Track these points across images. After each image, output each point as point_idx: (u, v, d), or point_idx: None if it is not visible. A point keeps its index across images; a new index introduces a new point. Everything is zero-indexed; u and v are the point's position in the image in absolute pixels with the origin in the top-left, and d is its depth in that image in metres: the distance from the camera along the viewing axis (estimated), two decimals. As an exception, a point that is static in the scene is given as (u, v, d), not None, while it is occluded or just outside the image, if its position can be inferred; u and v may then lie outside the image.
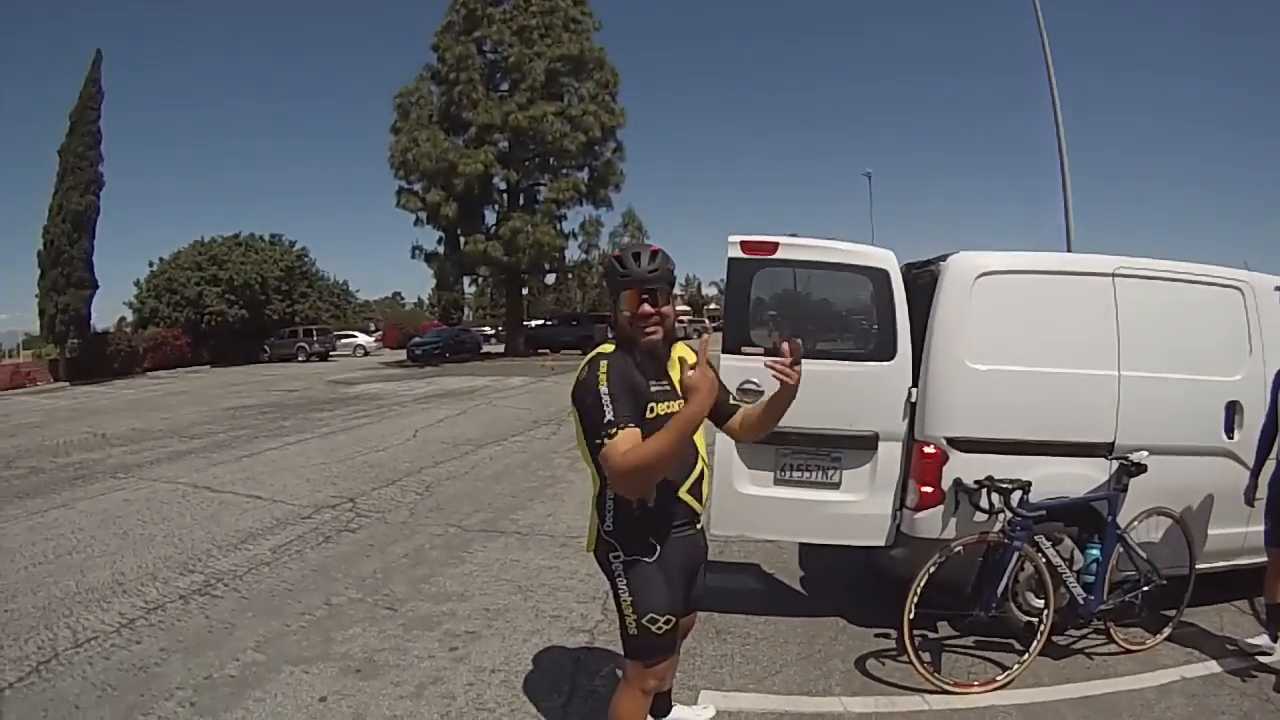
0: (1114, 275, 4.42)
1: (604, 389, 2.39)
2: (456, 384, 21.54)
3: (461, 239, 34.33)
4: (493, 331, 50.35)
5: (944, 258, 4.37)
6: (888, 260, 4.31)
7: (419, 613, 4.60)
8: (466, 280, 45.65)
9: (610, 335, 2.64)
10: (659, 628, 2.58)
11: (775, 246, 4.26)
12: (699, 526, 2.76)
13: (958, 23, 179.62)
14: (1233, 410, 4.57)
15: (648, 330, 2.53)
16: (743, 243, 4.27)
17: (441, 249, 35.34)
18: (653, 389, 2.52)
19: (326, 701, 3.53)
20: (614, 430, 2.34)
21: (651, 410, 2.49)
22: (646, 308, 2.51)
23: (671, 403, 2.54)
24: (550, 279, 43.93)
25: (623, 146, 36.19)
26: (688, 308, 52.47)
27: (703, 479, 2.70)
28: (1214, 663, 4.28)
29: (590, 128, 33.01)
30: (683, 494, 2.63)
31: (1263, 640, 4.34)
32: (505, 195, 35.31)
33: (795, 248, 4.30)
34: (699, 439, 2.64)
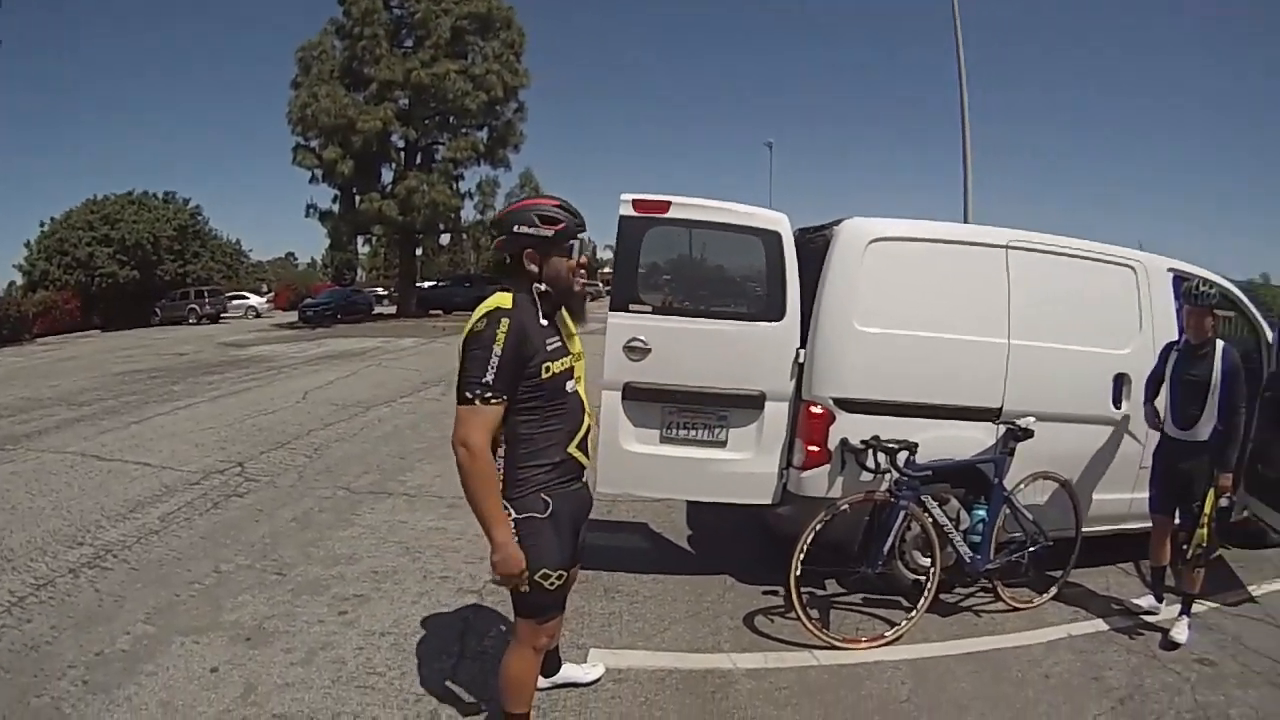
0: (1007, 247, 5.05)
1: (497, 349, 2.61)
2: (347, 345, 22.22)
3: (357, 198, 35.47)
4: (385, 292, 51.24)
5: (838, 223, 4.85)
6: (780, 223, 4.74)
7: (308, 577, 4.99)
8: (360, 240, 46.46)
9: (515, 286, 2.81)
10: (551, 583, 2.84)
11: (667, 205, 4.62)
12: (584, 481, 3.08)
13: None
14: (1121, 382, 5.30)
15: (580, 278, 2.91)
16: (635, 201, 4.62)
17: (336, 208, 36.56)
18: (549, 346, 2.78)
19: (218, 672, 3.78)
20: (488, 396, 2.62)
21: (547, 370, 2.76)
22: (584, 257, 2.88)
23: (564, 360, 2.84)
24: (445, 239, 45.29)
25: (524, 107, 38.01)
26: (584, 270, 54.33)
27: (589, 433, 3.01)
28: (1100, 621, 4.99)
29: (493, 87, 34.66)
30: (572, 449, 2.91)
31: (1148, 601, 5.14)
32: (403, 154, 36.79)
33: (688, 207, 4.66)
34: (582, 391, 3.01)
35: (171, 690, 3.64)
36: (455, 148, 35.88)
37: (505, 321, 2.64)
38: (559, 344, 2.86)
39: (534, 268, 2.83)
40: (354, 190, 35.55)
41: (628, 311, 4.62)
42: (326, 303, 36.76)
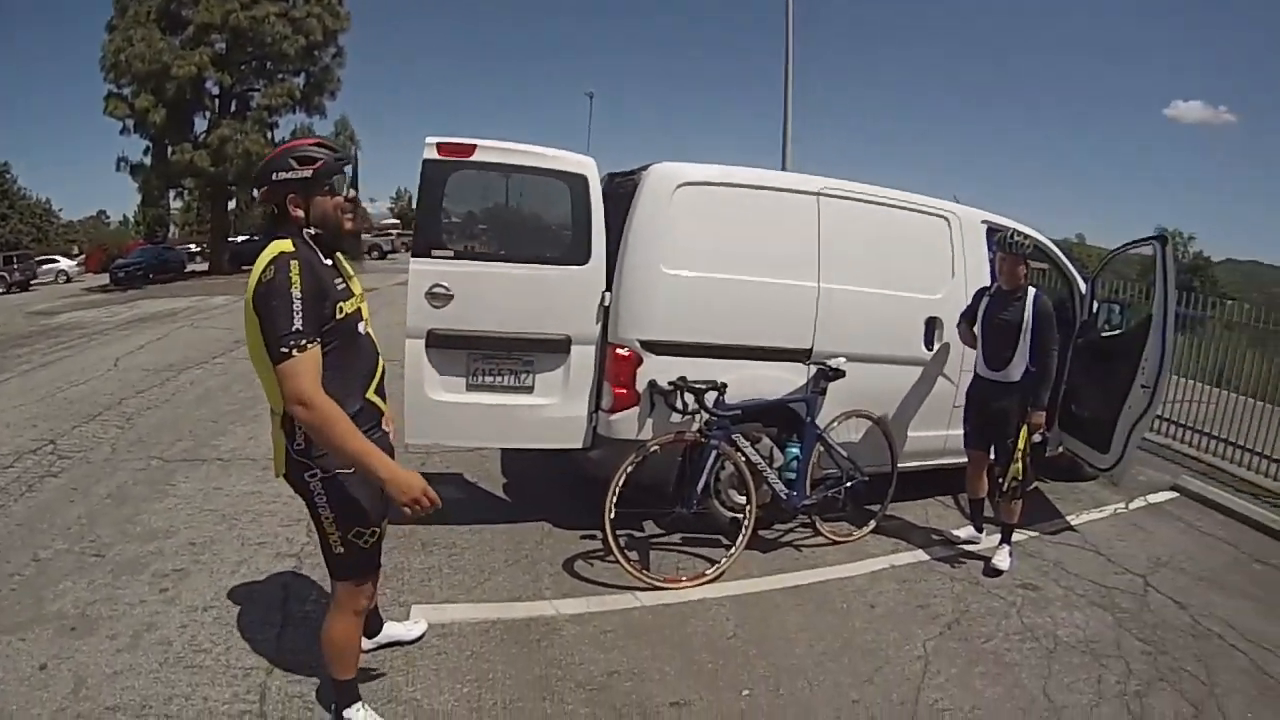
0: (819, 195, 5.49)
1: (296, 293, 2.61)
2: (159, 307, 21.82)
3: (169, 149, 34.85)
4: (198, 249, 49.90)
5: (646, 168, 5.14)
6: (586, 166, 4.99)
7: (127, 555, 4.96)
8: (173, 194, 45.36)
9: (287, 234, 2.83)
10: (366, 541, 2.96)
11: (472, 149, 4.78)
12: (385, 428, 3.15)
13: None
14: (933, 325, 5.89)
15: (350, 215, 2.97)
16: (439, 144, 4.75)
17: (149, 160, 35.71)
18: (337, 286, 2.86)
19: (47, 669, 3.71)
20: (304, 343, 2.59)
21: (340, 310, 2.82)
22: (352, 191, 3.04)
23: (352, 300, 2.93)
24: (259, 192, 44.54)
25: (343, 52, 37.97)
26: (397, 221, 54.44)
27: (384, 376, 3.12)
28: (922, 551, 5.57)
29: (312, 30, 34.49)
30: (370, 395, 3.00)
31: (968, 531, 5.77)
32: (218, 101, 36.03)
33: (493, 150, 4.82)
34: (372, 333, 3.09)
35: (3, 695, 3.55)
36: (271, 94, 35.50)
37: (294, 264, 2.65)
38: (344, 285, 2.94)
39: (300, 212, 2.86)
40: (166, 141, 34.78)
41: (430, 258, 4.76)
42: (138, 262, 35.82)
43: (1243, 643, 4.98)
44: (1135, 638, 4.80)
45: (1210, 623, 5.20)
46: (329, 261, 2.93)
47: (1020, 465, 5.23)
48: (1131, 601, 5.32)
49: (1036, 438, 5.40)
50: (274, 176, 2.85)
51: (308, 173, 2.83)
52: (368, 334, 3.04)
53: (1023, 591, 5.19)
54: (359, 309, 3.00)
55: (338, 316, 2.80)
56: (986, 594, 5.09)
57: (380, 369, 3.10)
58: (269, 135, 35.82)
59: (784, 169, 16.06)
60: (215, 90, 35.52)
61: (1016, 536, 5.67)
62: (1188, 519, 7.44)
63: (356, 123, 45.64)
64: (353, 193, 3.02)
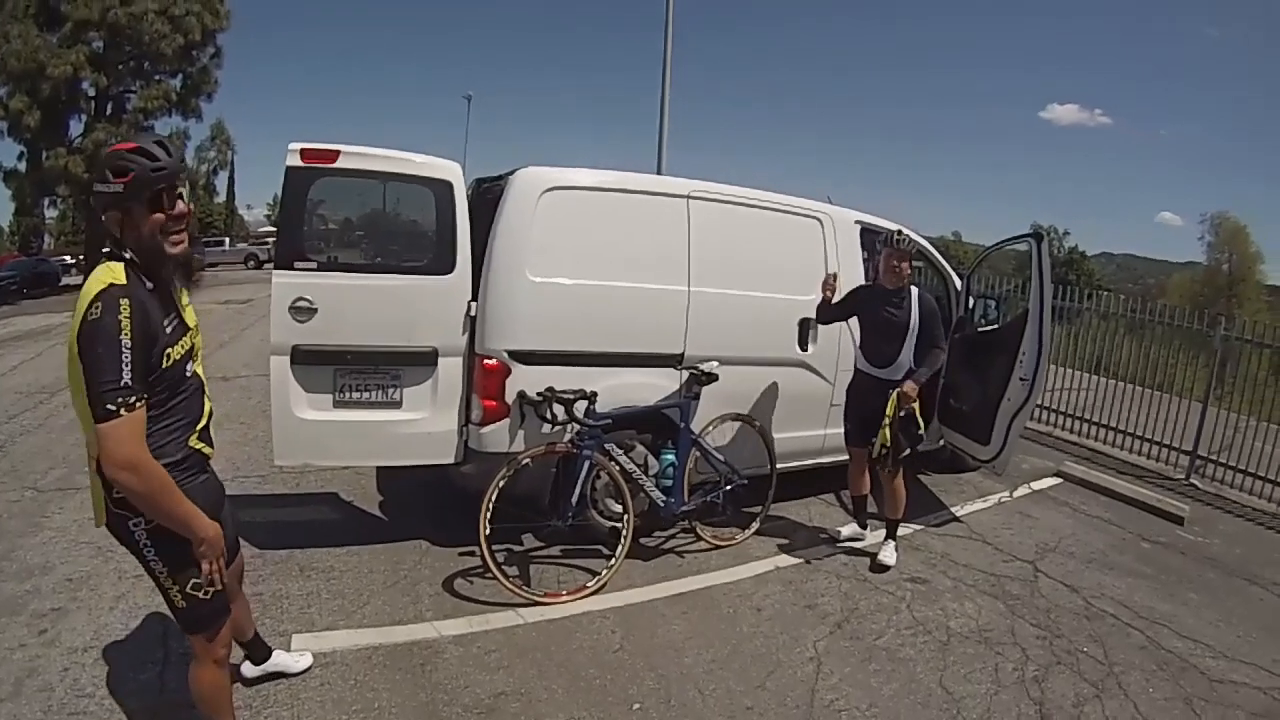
0: (689, 197, 5.53)
1: (126, 340, 2.33)
2: (33, 323, 20.81)
3: (44, 154, 33.22)
4: (74, 261, 48.26)
5: (513, 172, 5.10)
6: (451, 171, 4.91)
7: (3, 595, 4.79)
8: (47, 203, 43.81)
9: (114, 256, 2.50)
10: (205, 592, 2.69)
11: (336, 155, 4.65)
12: (210, 469, 2.89)
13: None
14: (807, 326, 5.98)
15: (177, 236, 2.56)
16: (302, 150, 4.61)
17: (23, 166, 34.27)
18: (168, 328, 2.54)
19: None
20: (132, 400, 2.34)
21: (167, 358, 2.52)
22: (181, 205, 2.54)
23: (184, 340, 2.63)
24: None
25: (222, 52, 36.75)
26: (275, 228, 53.57)
27: (210, 418, 2.84)
28: (808, 551, 5.64)
29: (191, 29, 33.20)
30: (193, 442, 2.72)
31: (852, 529, 5.86)
32: (94, 103, 34.66)
33: (357, 156, 4.70)
34: (201, 370, 2.83)
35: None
36: (147, 97, 34.16)
37: (124, 303, 2.35)
38: (177, 321, 2.63)
39: (117, 231, 2.51)
40: (41, 146, 33.17)
41: (292, 270, 4.62)
42: (11, 275, 34.36)
43: (1137, 620, 5.21)
44: (1029, 624, 4.95)
45: (1103, 603, 5.40)
46: (154, 291, 2.53)
47: (887, 431, 5.30)
48: (1022, 588, 5.47)
49: (904, 414, 5.40)
50: (95, 188, 2.51)
51: (119, 186, 2.45)
52: (195, 374, 2.77)
53: (911, 585, 5.29)
54: (191, 346, 2.71)
55: (165, 365, 2.51)
56: (875, 590, 5.17)
57: (208, 412, 2.84)
58: (145, 140, 34.84)
59: (659, 173, 16.40)
60: (91, 91, 34.21)
61: (902, 531, 5.80)
62: (1073, 503, 7.73)
63: (234, 125, 44.74)
64: (184, 206, 2.58)
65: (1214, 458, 9.60)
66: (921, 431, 5.38)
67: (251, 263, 42.19)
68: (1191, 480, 9.50)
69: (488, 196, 5.25)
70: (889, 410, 5.27)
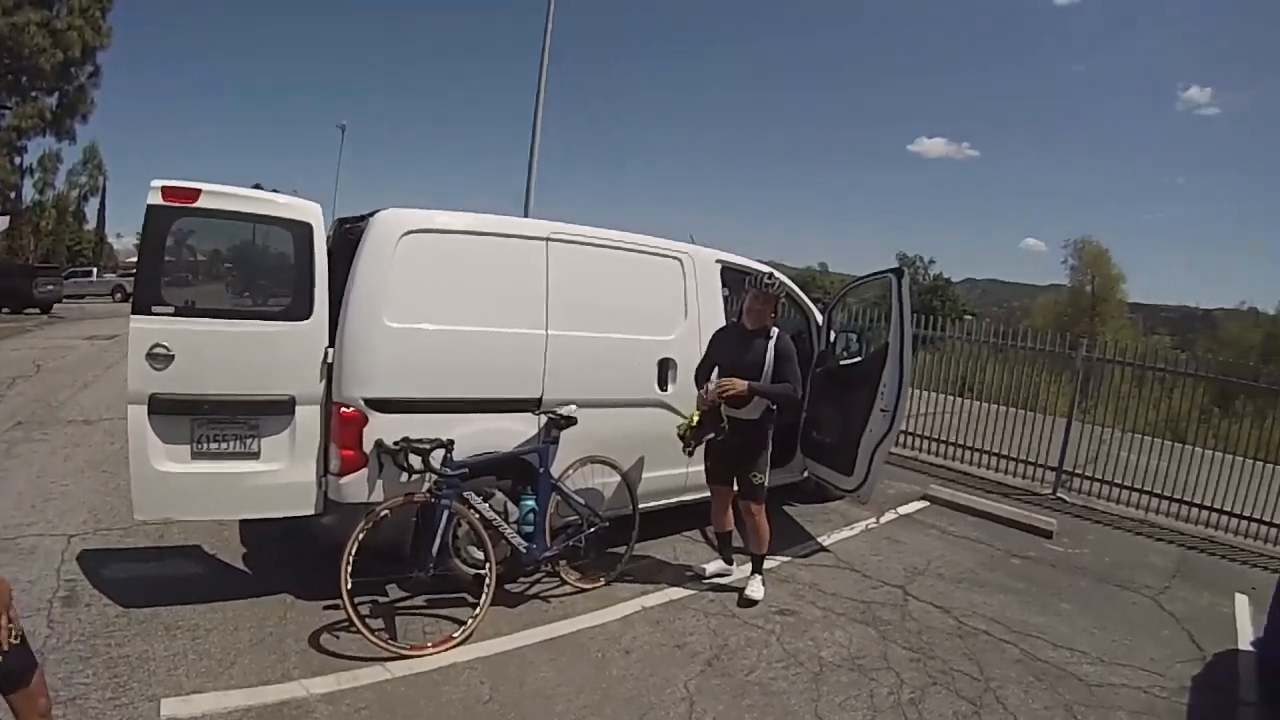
0: (548, 239, 5.58)
1: None
2: None
3: None
4: None
5: (374, 213, 5.05)
6: (311, 213, 4.85)
7: None
8: None
9: None
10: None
11: (197, 194, 4.52)
12: None
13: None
14: (666, 366, 6.11)
15: None
16: (164, 188, 4.48)
17: None
18: None
19: None
20: None
21: None
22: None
23: None
24: (2, 223, 42.09)
25: (100, 71, 36.24)
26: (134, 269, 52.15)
27: None
28: (674, 589, 5.69)
29: (71, 45, 32.73)
30: None
31: (717, 565, 5.95)
32: None
33: (218, 196, 4.59)
34: None
35: None
36: (21, 115, 33.53)
37: None
38: None
39: None
40: (-86, 165, 32.25)
41: (150, 315, 4.48)
42: None
43: (1010, 635, 5.44)
44: (901, 647, 5.11)
45: (975, 621, 5.61)
46: None
47: (691, 417, 5.53)
48: (892, 613, 5.64)
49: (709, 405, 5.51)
50: None
51: None
52: None
53: (780, 618, 5.39)
54: None
55: None
56: (744, 625, 5.25)
57: None
58: (16, 161, 34.25)
59: (527, 214, 16.15)
60: (-35, 109, 33.25)
61: (769, 563, 5.91)
62: (940, 525, 8.02)
63: (109, 150, 43.46)
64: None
65: (1079, 472, 10.09)
66: (724, 425, 5.46)
67: (119, 295, 39.50)
68: (1059, 494, 10.01)
69: (349, 237, 5.22)
70: (698, 402, 5.50)
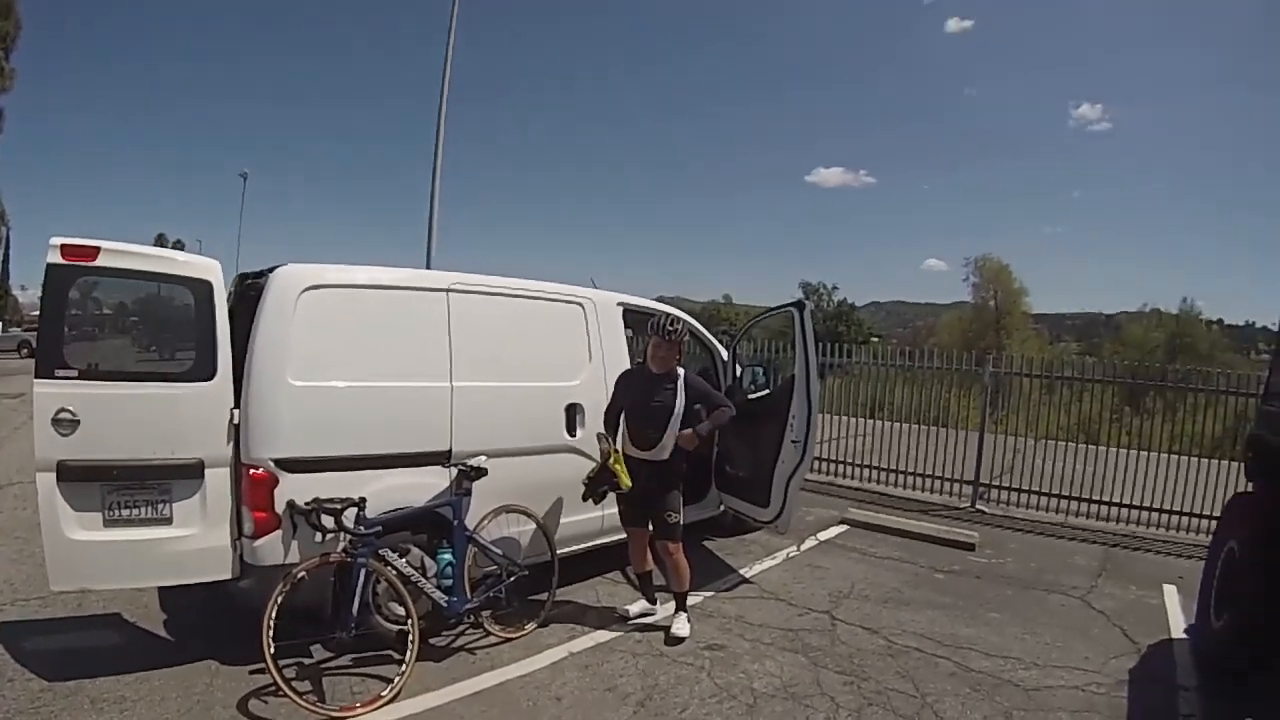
0: (449, 290, 5.64)
1: None
2: None
3: None
4: None
5: (273, 270, 5.05)
6: (210, 270, 4.81)
7: None
8: None
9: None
10: None
11: (96, 251, 4.48)
12: None
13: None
14: (574, 411, 6.19)
15: None
16: (63, 246, 4.44)
17: None
18: None
19: None
20: None
21: None
22: None
23: None
24: None
25: (3, 115, 36.10)
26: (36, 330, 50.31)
27: None
28: (600, 632, 5.71)
29: None
30: None
31: (640, 605, 5.98)
32: None
33: (118, 254, 4.56)
34: None
35: None
36: None
37: None
38: None
39: None
40: None
41: (54, 378, 4.43)
42: None
43: (942, 649, 5.57)
44: (833, 672, 5.18)
45: (905, 639, 5.73)
46: None
47: (593, 470, 5.69)
48: (821, 639, 5.72)
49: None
50: None
51: None
52: None
53: (709, 653, 5.43)
54: None
55: None
56: (673, 663, 5.27)
57: None
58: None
59: (429, 265, 16.42)
60: None
61: (692, 599, 5.96)
62: (861, 548, 8.16)
63: (12, 197, 42.33)
64: None
65: (996, 483, 10.38)
66: (616, 480, 5.58)
67: (25, 350, 37.55)
68: (977, 507, 10.27)
69: (250, 293, 5.19)
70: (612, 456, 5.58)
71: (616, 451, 5.62)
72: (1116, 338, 59.40)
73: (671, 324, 5.64)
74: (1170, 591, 7.36)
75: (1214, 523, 7.61)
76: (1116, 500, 9.95)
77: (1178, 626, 6.49)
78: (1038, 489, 10.43)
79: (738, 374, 7.77)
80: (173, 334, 5.12)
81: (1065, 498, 10.24)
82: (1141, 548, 9.08)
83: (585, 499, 5.73)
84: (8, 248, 50.86)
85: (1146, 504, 9.78)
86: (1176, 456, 9.92)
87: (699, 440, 5.63)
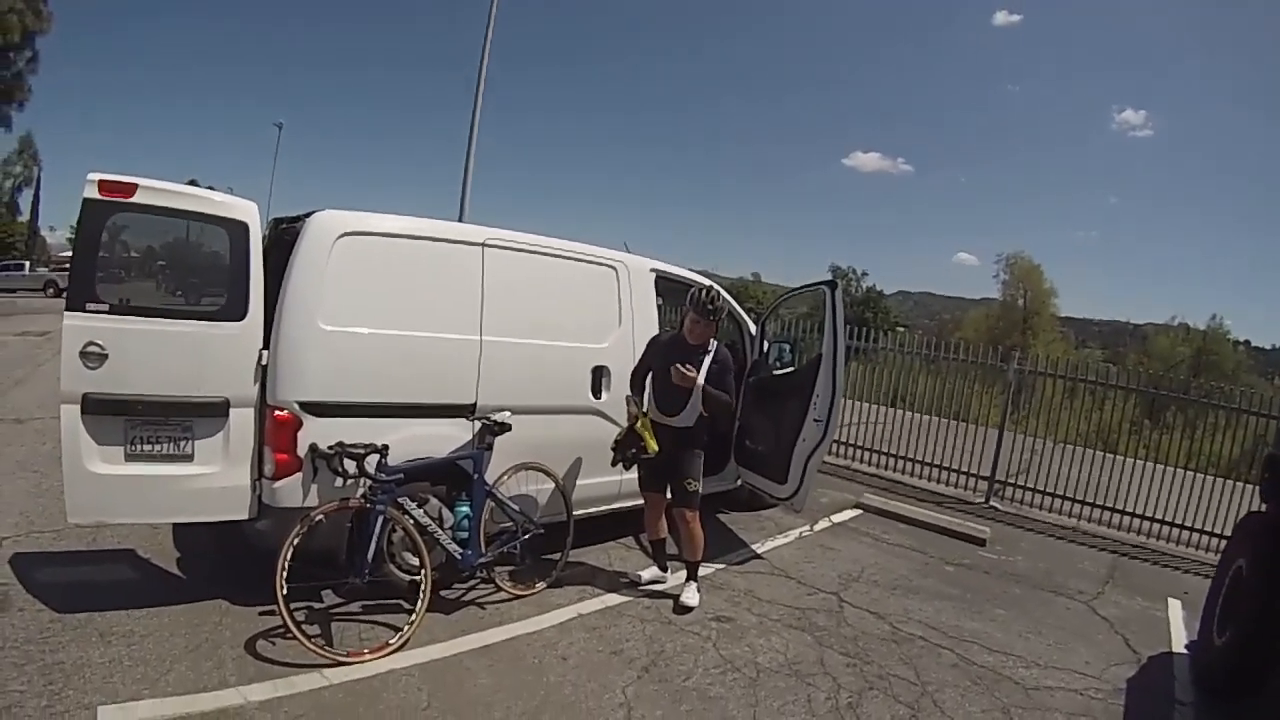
0: (484, 245, 5.64)
1: None
2: None
3: None
4: None
5: (310, 214, 5.05)
6: (248, 212, 4.82)
7: None
8: None
9: None
10: None
11: (134, 188, 4.47)
12: None
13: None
14: (600, 374, 6.20)
15: None
16: (100, 182, 4.43)
17: None
18: None
19: None
20: None
21: None
22: None
23: None
24: None
25: (39, 57, 35.73)
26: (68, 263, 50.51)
27: None
28: (609, 596, 5.75)
29: (11, 29, 32.21)
30: None
31: (652, 572, 6.02)
32: None
33: (155, 192, 4.55)
34: None
35: None
36: None
37: None
38: None
39: None
40: None
41: (84, 311, 4.44)
42: None
43: (946, 640, 5.59)
44: (838, 653, 5.21)
45: (911, 627, 5.76)
46: None
47: (620, 433, 5.77)
48: (828, 619, 5.75)
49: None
50: None
51: None
52: None
53: (716, 625, 5.47)
54: None
55: None
56: (680, 632, 5.31)
57: None
58: (-53, 148, 32.59)
59: (461, 218, 16.04)
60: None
61: (703, 570, 5.99)
62: (874, 533, 8.19)
63: (45, 139, 42.41)
64: None
65: (1012, 481, 10.37)
66: (644, 444, 5.61)
67: (51, 290, 37.94)
68: (991, 503, 10.26)
69: (285, 238, 5.19)
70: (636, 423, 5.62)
71: (644, 415, 5.65)
72: (1142, 348, 59.01)
73: (712, 301, 5.61)
74: (1175, 606, 7.36)
75: (1224, 541, 7.62)
76: (1130, 510, 9.96)
77: (1179, 641, 6.50)
78: (1053, 491, 10.43)
79: (765, 349, 7.78)
80: (205, 273, 5.13)
81: (1079, 502, 10.24)
82: (1150, 559, 9.09)
83: (615, 464, 5.76)
84: (38, 188, 51.06)
85: (1159, 516, 9.79)
86: (1192, 473, 9.90)
87: (695, 382, 5.53)
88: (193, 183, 5.10)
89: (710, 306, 5.58)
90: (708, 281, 6.57)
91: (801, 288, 8.01)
